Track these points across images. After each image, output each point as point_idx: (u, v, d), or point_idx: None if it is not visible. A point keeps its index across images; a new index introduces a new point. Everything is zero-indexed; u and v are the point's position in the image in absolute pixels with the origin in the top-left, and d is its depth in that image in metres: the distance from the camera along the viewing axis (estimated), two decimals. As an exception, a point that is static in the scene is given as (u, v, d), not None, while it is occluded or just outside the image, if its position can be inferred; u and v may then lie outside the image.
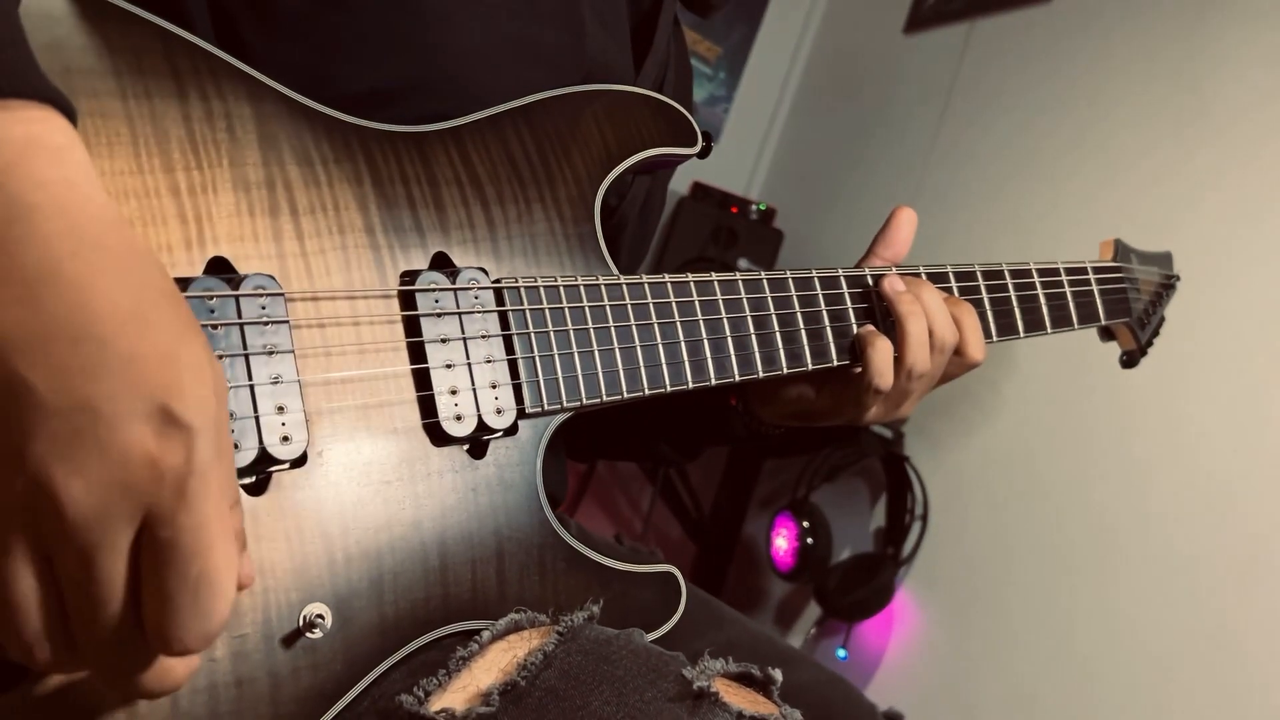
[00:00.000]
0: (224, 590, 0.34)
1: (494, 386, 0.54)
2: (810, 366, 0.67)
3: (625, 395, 0.58)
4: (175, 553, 0.33)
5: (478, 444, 0.55)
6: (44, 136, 0.35)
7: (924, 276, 0.72)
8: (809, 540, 1.87)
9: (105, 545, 0.33)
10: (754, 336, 0.64)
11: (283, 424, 0.47)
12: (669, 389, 0.60)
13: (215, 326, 0.46)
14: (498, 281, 0.56)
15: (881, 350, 0.66)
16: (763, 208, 2.57)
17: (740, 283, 0.64)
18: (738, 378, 0.63)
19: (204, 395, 0.34)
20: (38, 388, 0.31)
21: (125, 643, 0.34)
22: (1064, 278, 0.80)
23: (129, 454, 0.32)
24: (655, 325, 0.60)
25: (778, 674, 0.51)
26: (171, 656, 0.35)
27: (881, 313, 0.70)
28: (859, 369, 0.68)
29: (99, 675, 0.35)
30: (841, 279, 0.69)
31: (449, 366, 0.53)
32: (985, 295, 0.75)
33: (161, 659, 0.35)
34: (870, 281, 0.70)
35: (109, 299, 0.33)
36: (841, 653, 1.87)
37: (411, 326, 0.53)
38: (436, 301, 0.53)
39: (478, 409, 0.53)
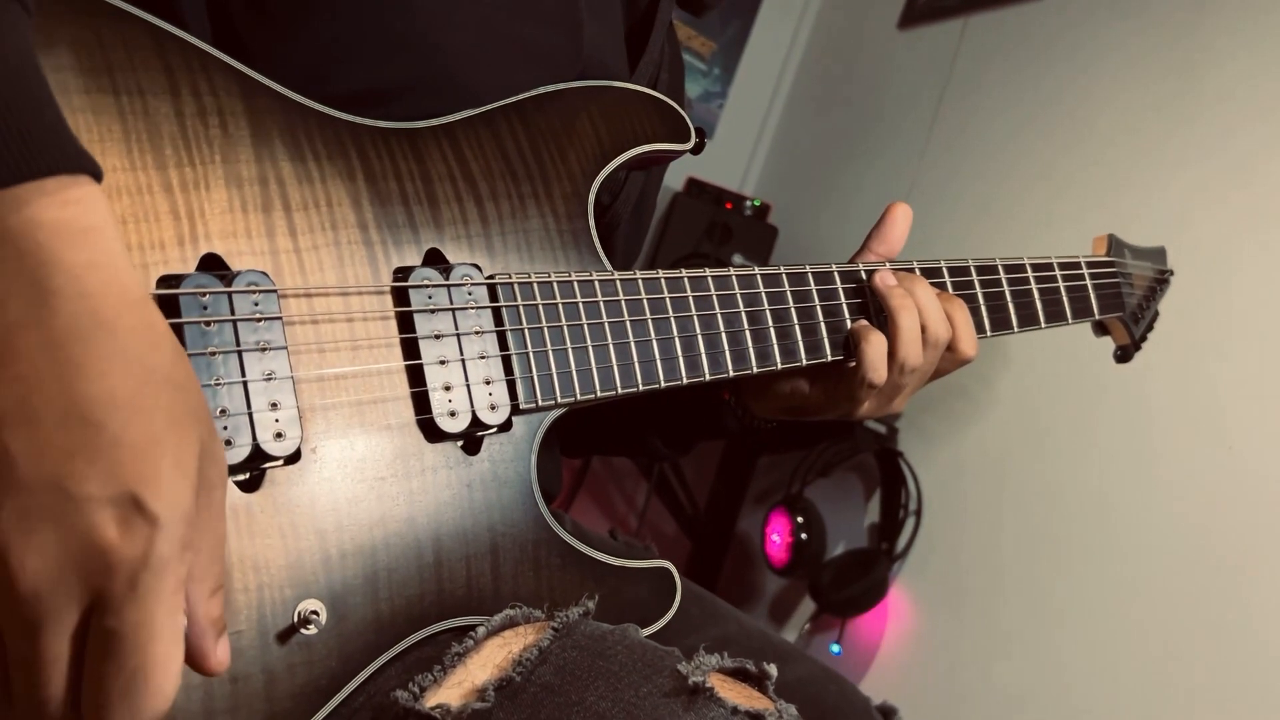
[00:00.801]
0: (158, 688, 0.35)
1: (488, 383, 0.54)
2: (804, 362, 0.67)
3: (620, 391, 0.58)
4: (115, 643, 0.34)
5: (472, 440, 0.55)
6: (76, 220, 0.35)
7: (918, 272, 0.72)
8: (803, 536, 1.88)
9: (50, 622, 0.33)
10: (748, 332, 0.65)
11: (276, 420, 0.47)
12: (663, 385, 0.60)
13: (208, 323, 0.46)
14: (491, 277, 0.56)
15: (875, 345, 0.66)
16: (757, 204, 2.57)
17: (734, 278, 0.65)
18: (731, 373, 0.63)
19: (179, 490, 0.35)
20: (16, 460, 0.33)
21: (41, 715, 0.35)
22: (1057, 272, 0.81)
23: (88, 538, 0.33)
24: (649, 321, 0.60)
25: (773, 669, 0.51)
26: None
27: (875, 308, 0.70)
28: (853, 364, 0.68)
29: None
30: (835, 274, 0.69)
31: (443, 363, 0.53)
32: (979, 290, 0.75)
33: None
34: (864, 277, 0.70)
35: (107, 385, 0.34)
36: (836, 648, 1.88)
37: (405, 323, 0.53)
38: (430, 298, 0.53)
39: (472, 405, 0.53)
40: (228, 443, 0.46)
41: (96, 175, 0.37)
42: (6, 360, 0.33)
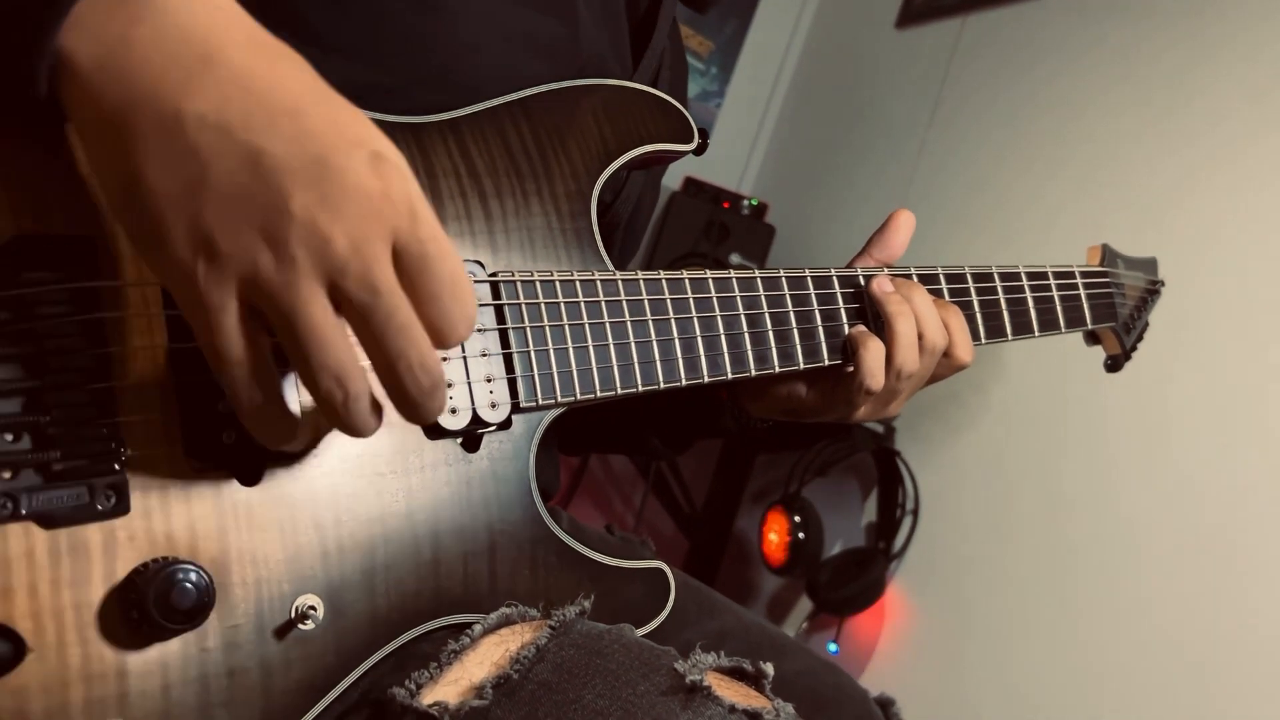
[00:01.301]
0: (469, 281, 0.42)
1: (489, 380, 0.54)
2: (802, 365, 0.67)
3: (619, 391, 0.58)
4: (428, 261, 0.40)
5: (472, 438, 0.55)
6: None
7: (915, 278, 0.72)
8: (801, 535, 1.88)
9: (376, 261, 0.39)
10: (747, 334, 0.64)
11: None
12: (662, 385, 0.60)
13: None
14: (494, 275, 0.56)
15: (873, 351, 0.66)
16: (755, 203, 2.57)
17: (734, 280, 0.64)
18: (730, 375, 0.63)
19: (392, 144, 0.41)
20: (277, 153, 0.38)
21: (415, 341, 0.40)
22: (1052, 281, 0.81)
23: (365, 189, 0.39)
24: (650, 321, 0.60)
25: (769, 668, 0.51)
26: (447, 347, 0.42)
27: (873, 313, 0.70)
28: (850, 369, 0.68)
29: (393, 375, 0.41)
30: (834, 278, 0.69)
31: (444, 360, 0.53)
32: (974, 297, 0.75)
33: (430, 353, 0.41)
34: (862, 281, 0.70)
35: (297, 81, 0.40)
36: (833, 647, 1.88)
37: (406, 319, 0.52)
38: (431, 294, 0.53)
39: (472, 403, 0.53)
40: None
41: None
42: (211, 89, 0.38)
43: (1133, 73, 1.77)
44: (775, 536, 1.92)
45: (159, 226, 0.38)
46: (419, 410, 0.42)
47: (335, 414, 0.41)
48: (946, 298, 0.74)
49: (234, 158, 0.38)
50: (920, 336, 0.68)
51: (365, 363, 0.41)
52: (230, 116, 0.38)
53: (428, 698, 0.48)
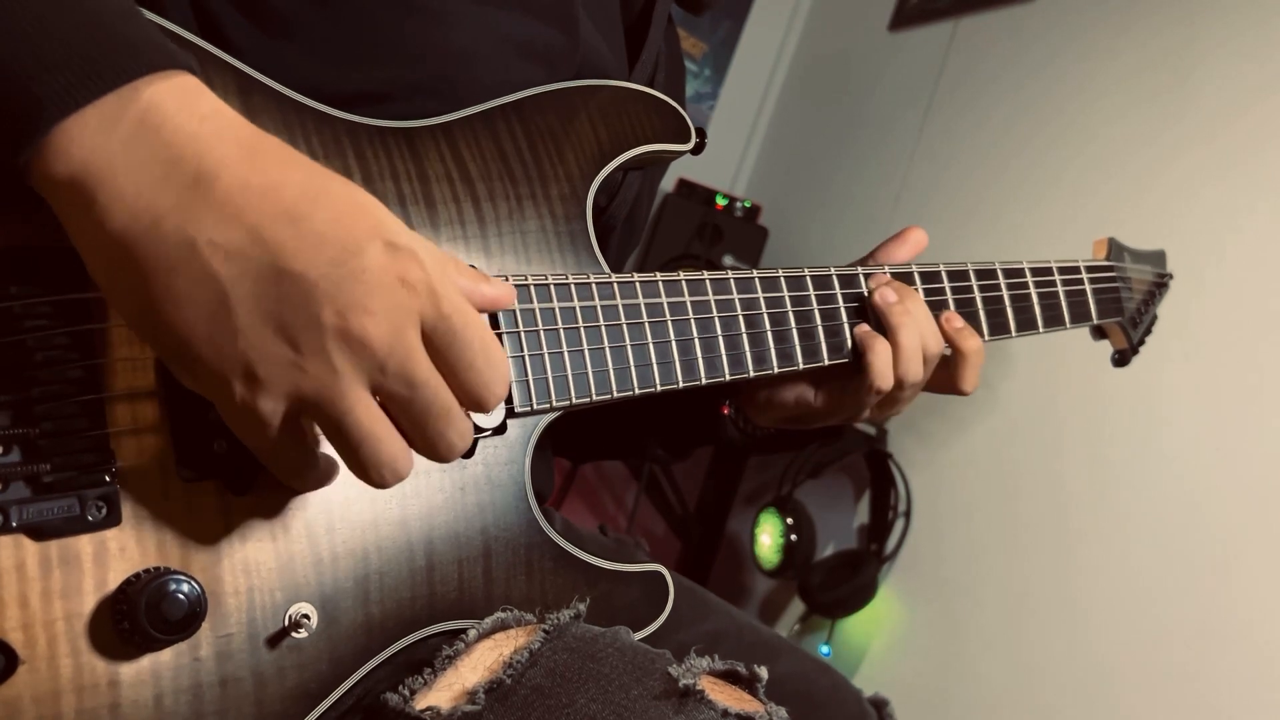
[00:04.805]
0: (497, 346, 0.43)
1: (482, 385, 0.54)
2: (801, 366, 0.66)
3: (615, 394, 0.58)
4: (457, 337, 0.42)
5: (466, 443, 0.54)
6: (188, 84, 0.40)
7: (916, 274, 0.72)
8: (793, 537, 1.88)
9: (411, 354, 0.40)
10: (745, 335, 0.64)
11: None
12: (659, 388, 0.60)
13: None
14: (488, 280, 0.55)
15: (881, 354, 0.66)
16: (748, 205, 2.58)
17: (731, 281, 0.64)
18: (728, 377, 0.63)
19: (398, 221, 0.42)
20: (295, 268, 0.38)
21: (454, 421, 0.43)
22: (1057, 277, 0.80)
23: (385, 281, 0.39)
24: (646, 324, 0.60)
25: (763, 672, 0.51)
26: (489, 410, 0.44)
27: (874, 316, 0.70)
28: (858, 371, 0.68)
29: (433, 453, 0.43)
30: (834, 278, 0.69)
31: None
32: (978, 294, 0.75)
33: (466, 425, 0.44)
34: (862, 280, 0.70)
35: (292, 185, 0.40)
36: (825, 649, 1.88)
37: (399, 324, 0.52)
38: (424, 299, 0.53)
39: (466, 408, 0.53)
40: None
41: (192, 69, 0.41)
42: (210, 212, 0.38)
43: (1126, 70, 1.78)
44: (768, 538, 1.92)
45: (186, 355, 0.39)
46: (448, 461, 0.45)
47: (379, 486, 0.43)
48: (949, 295, 0.73)
49: (251, 280, 0.38)
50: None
51: None
52: (237, 238, 0.38)
53: (421, 703, 0.47)
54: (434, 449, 0.43)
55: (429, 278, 0.41)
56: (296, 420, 0.41)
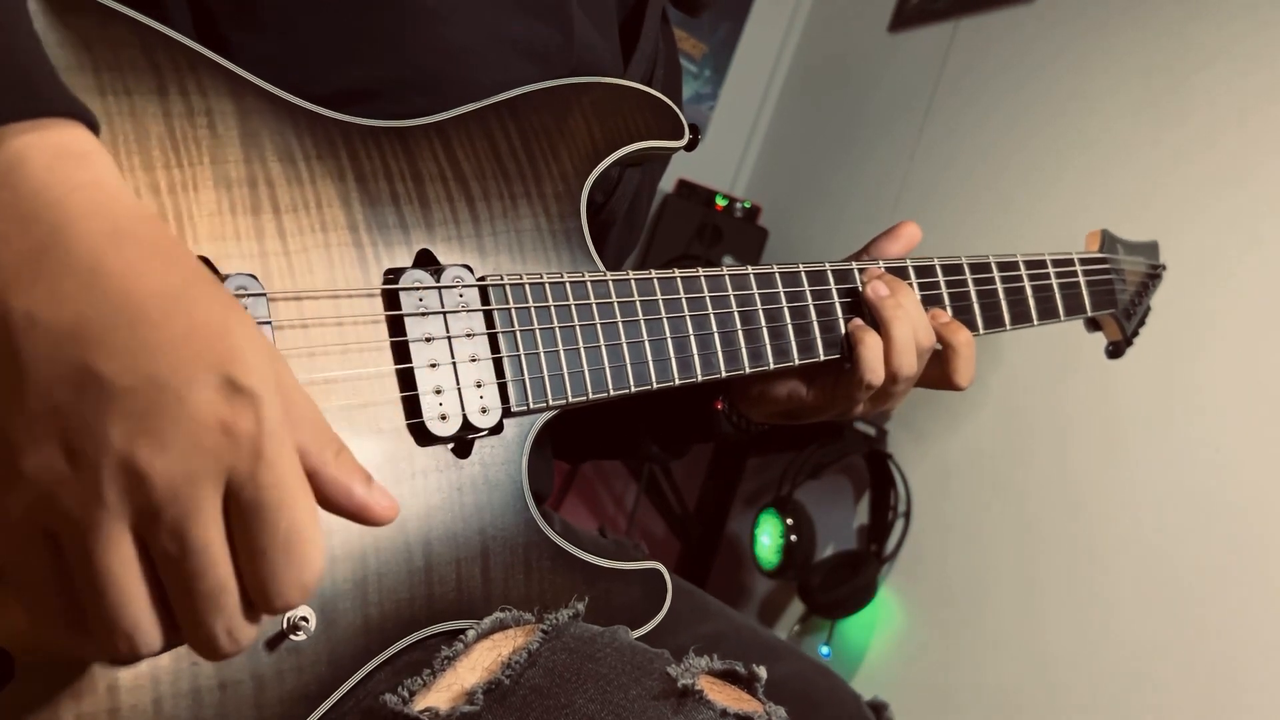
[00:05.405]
0: (313, 540, 0.36)
1: (479, 385, 0.54)
2: (796, 361, 0.67)
3: (611, 393, 0.58)
4: (262, 512, 0.35)
5: (463, 443, 0.54)
6: (72, 145, 0.36)
7: (910, 268, 0.72)
8: (793, 537, 1.88)
9: (195, 511, 0.34)
10: (741, 332, 0.64)
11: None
12: (655, 386, 0.60)
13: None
14: (483, 279, 0.55)
15: (871, 347, 0.67)
16: (747, 205, 2.58)
17: (727, 278, 0.64)
18: (724, 373, 0.63)
19: (261, 361, 0.35)
20: (104, 372, 0.33)
21: (223, 610, 0.35)
22: (1050, 269, 0.80)
23: (203, 421, 0.34)
24: (641, 322, 0.60)
25: (762, 671, 0.51)
26: (273, 613, 0.36)
27: (866, 308, 0.70)
28: (849, 365, 0.68)
29: (193, 639, 0.36)
30: (829, 273, 0.69)
31: (433, 366, 0.52)
32: (972, 288, 0.75)
33: (238, 622, 0.36)
34: (857, 275, 0.70)
35: (154, 283, 0.34)
36: (825, 650, 1.88)
37: (395, 326, 0.52)
38: (421, 300, 0.53)
39: (463, 408, 0.53)
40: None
41: (91, 124, 0.38)
42: (42, 284, 0.33)
43: (1124, 71, 1.78)
44: (767, 539, 1.92)
45: None
46: (210, 659, 0.37)
47: (116, 660, 0.36)
48: (944, 289, 0.74)
49: (56, 367, 0.33)
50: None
51: None
52: (58, 319, 0.33)
53: (419, 704, 0.47)
54: (193, 634, 0.35)
55: (260, 434, 0.34)
56: (44, 537, 0.34)
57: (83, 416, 0.33)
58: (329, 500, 0.38)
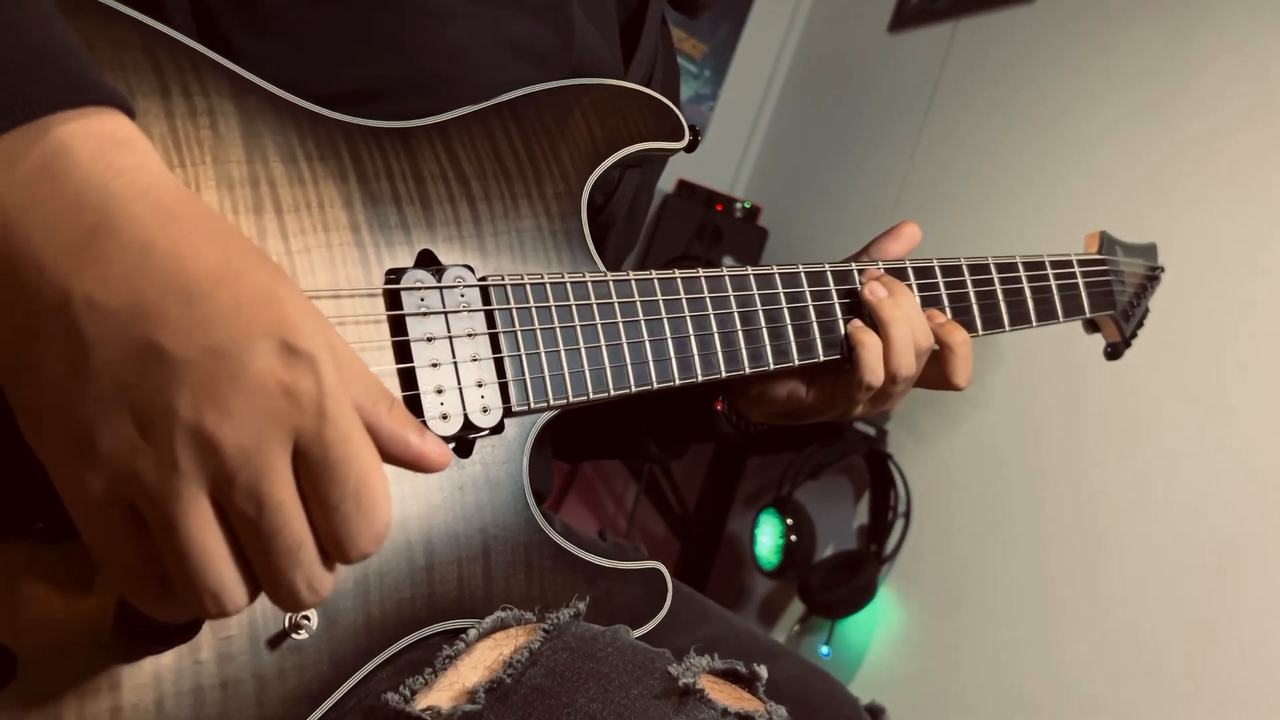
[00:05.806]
0: (381, 491, 0.37)
1: (480, 385, 0.54)
2: (796, 362, 0.67)
3: (612, 393, 0.58)
4: (330, 468, 0.36)
5: (464, 443, 0.55)
6: (115, 131, 0.37)
7: (910, 270, 0.73)
8: (793, 538, 1.88)
9: (267, 472, 0.35)
10: (740, 332, 0.64)
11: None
12: (655, 386, 0.60)
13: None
14: (484, 279, 0.55)
15: (871, 348, 0.67)
16: (747, 206, 2.58)
17: (727, 278, 0.64)
18: (724, 374, 0.63)
19: (312, 324, 0.37)
20: (167, 347, 0.34)
21: (302, 564, 0.37)
22: (1049, 270, 0.81)
23: (265, 386, 0.35)
24: (642, 322, 0.60)
25: (763, 670, 0.51)
26: (349, 563, 0.38)
27: (865, 309, 0.70)
28: (848, 366, 0.68)
29: (273, 594, 0.37)
30: (828, 274, 0.69)
31: (435, 365, 0.53)
32: (971, 288, 0.75)
33: (318, 572, 0.38)
34: (856, 277, 0.70)
35: (202, 259, 0.36)
36: (825, 650, 1.88)
37: (397, 325, 0.52)
38: (422, 300, 0.53)
39: (464, 408, 0.53)
40: None
41: (129, 111, 0.39)
42: (97, 268, 0.34)
43: (1124, 72, 1.78)
44: (767, 539, 1.92)
45: (35, 410, 0.35)
46: (293, 610, 0.39)
47: (205, 616, 0.37)
48: (943, 290, 0.74)
49: (119, 347, 0.34)
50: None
51: None
52: (116, 300, 0.34)
53: (421, 703, 0.48)
54: (274, 589, 0.37)
55: (321, 394, 0.36)
56: (125, 509, 0.36)
57: (150, 391, 0.34)
58: (387, 451, 0.39)
